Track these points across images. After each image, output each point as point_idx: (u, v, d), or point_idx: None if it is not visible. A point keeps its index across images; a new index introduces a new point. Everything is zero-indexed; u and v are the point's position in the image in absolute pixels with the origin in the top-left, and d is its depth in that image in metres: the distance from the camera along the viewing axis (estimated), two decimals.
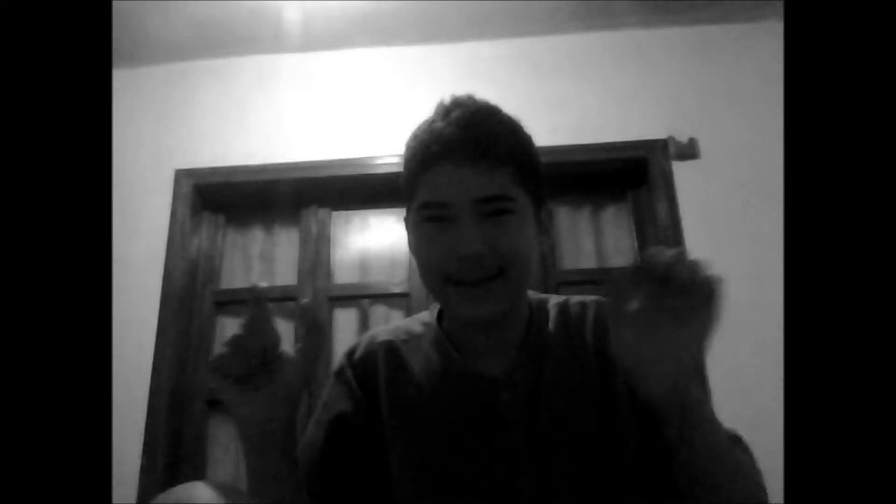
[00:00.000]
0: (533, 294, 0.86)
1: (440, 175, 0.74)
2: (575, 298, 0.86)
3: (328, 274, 2.24)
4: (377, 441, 0.78)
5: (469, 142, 0.73)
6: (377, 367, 0.82)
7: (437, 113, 0.78)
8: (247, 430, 0.66)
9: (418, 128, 0.79)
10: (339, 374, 0.84)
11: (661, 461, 0.67)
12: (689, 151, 2.11)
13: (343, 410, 0.80)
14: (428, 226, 0.75)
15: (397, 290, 2.15)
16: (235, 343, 0.63)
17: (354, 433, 0.78)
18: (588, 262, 2.18)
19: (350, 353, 0.85)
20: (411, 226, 0.79)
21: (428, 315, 0.88)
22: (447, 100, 0.79)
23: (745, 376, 1.79)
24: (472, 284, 0.73)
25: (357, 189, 2.25)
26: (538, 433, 0.74)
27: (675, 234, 2.01)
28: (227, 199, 2.30)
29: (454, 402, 0.78)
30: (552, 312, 0.84)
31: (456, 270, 0.73)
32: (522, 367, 0.78)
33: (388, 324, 0.94)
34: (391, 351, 0.83)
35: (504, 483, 0.73)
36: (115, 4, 1.88)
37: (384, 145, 2.19)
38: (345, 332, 2.16)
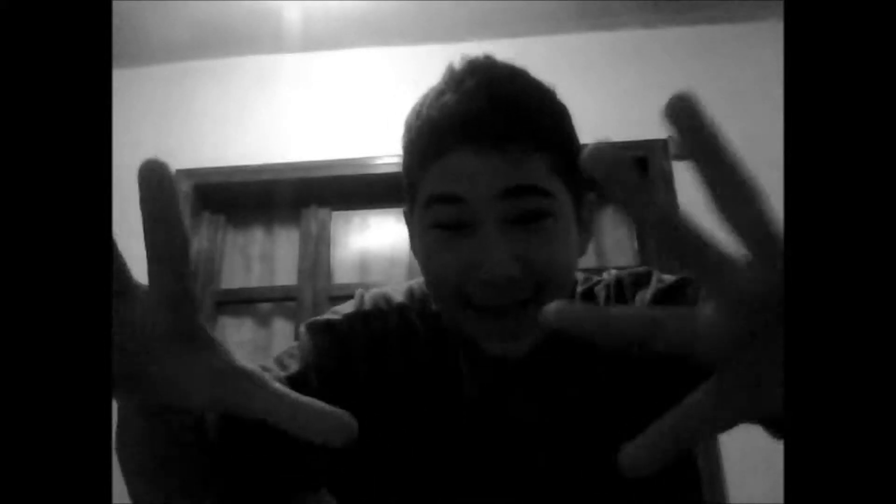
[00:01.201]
0: (581, 274, 0.70)
1: (457, 163, 0.55)
2: (598, 280, 0.70)
3: (328, 274, 2.24)
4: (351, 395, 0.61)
5: (492, 120, 0.55)
6: (386, 329, 0.66)
7: (446, 81, 0.59)
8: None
9: (422, 102, 0.60)
10: (327, 327, 0.66)
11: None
12: None
13: (314, 364, 0.62)
14: (438, 233, 0.57)
15: None
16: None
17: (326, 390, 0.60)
18: (588, 261, 2.18)
19: (360, 298, 0.69)
20: (416, 227, 0.61)
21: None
22: (458, 63, 0.59)
23: None
24: (497, 312, 0.56)
25: (357, 189, 2.25)
26: (554, 416, 0.63)
27: None
28: (227, 199, 2.30)
29: (466, 382, 0.64)
30: (577, 297, 0.67)
31: (478, 293, 0.55)
32: (541, 351, 0.63)
33: (398, 284, 0.74)
34: (403, 319, 0.67)
35: (514, 464, 0.62)
36: (115, 4, 1.88)
37: (384, 145, 2.19)
38: None
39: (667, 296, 0.64)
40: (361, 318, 0.67)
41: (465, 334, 0.62)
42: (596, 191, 0.61)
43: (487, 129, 0.55)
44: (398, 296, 0.70)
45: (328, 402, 0.34)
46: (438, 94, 0.58)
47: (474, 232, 0.56)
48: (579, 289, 0.72)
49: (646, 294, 0.64)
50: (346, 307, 0.70)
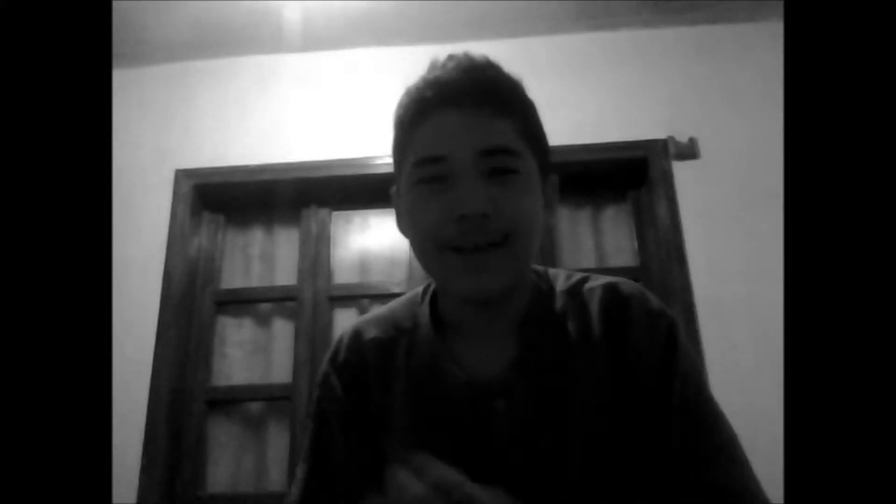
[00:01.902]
0: (538, 268, 0.77)
1: (439, 125, 0.66)
2: (584, 278, 0.76)
3: (328, 274, 2.24)
4: (367, 438, 0.71)
5: (470, 84, 0.66)
6: (366, 368, 0.74)
7: (429, 68, 0.71)
8: None
9: (409, 86, 0.71)
10: (324, 383, 0.76)
11: (667, 467, 0.63)
12: (689, 151, 2.11)
13: (329, 414, 0.73)
14: (423, 187, 0.67)
15: (397, 290, 2.15)
16: None
17: (339, 434, 0.72)
18: (588, 262, 2.18)
19: (333, 358, 0.77)
20: (404, 190, 0.70)
21: (419, 300, 0.78)
22: (440, 56, 0.71)
23: (745, 376, 1.79)
24: (472, 251, 0.64)
25: (357, 189, 2.25)
26: (534, 445, 0.67)
27: (674, 234, 2.01)
28: (227, 199, 2.30)
29: (445, 410, 0.70)
30: (559, 295, 0.74)
31: (455, 234, 0.64)
32: (519, 366, 0.69)
33: (373, 310, 0.83)
34: (379, 349, 0.75)
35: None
36: (115, 4, 1.88)
37: (384, 145, 2.19)
38: None
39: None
40: (341, 367, 0.76)
41: (440, 280, 0.71)
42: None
43: (465, 93, 0.66)
44: (371, 330, 0.78)
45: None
46: (423, 78, 0.70)
47: (454, 184, 0.65)
48: (561, 287, 0.75)
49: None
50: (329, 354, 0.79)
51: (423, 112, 0.67)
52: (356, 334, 0.77)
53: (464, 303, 0.71)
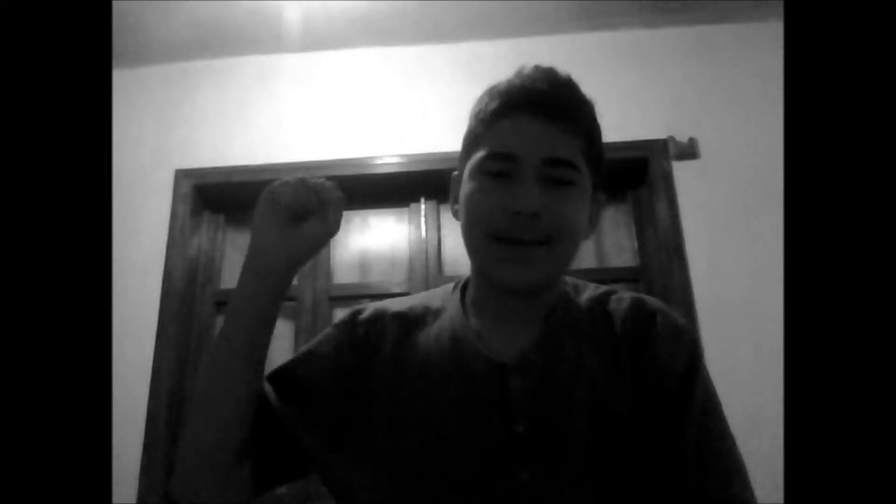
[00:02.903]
0: (570, 279, 0.82)
1: (514, 126, 0.72)
2: (612, 290, 0.80)
3: (328, 274, 2.24)
4: (354, 410, 0.73)
5: (551, 97, 0.72)
6: (383, 333, 0.77)
7: (515, 73, 0.76)
8: (271, 263, 0.68)
9: (494, 85, 0.77)
10: (340, 325, 0.80)
11: (671, 461, 0.66)
12: (689, 151, 2.11)
13: (330, 357, 0.76)
14: (487, 179, 0.72)
15: (397, 290, 2.15)
16: (295, 183, 0.67)
17: (333, 386, 0.74)
18: (588, 262, 2.18)
19: (356, 312, 0.81)
20: (467, 176, 0.75)
21: (450, 290, 0.83)
22: (528, 65, 0.77)
23: (745, 376, 1.79)
24: (518, 244, 0.70)
25: (357, 189, 2.25)
26: (545, 424, 0.69)
27: (674, 234, 2.01)
28: (227, 199, 2.30)
29: (459, 384, 0.72)
30: (585, 301, 0.78)
31: (506, 227, 0.70)
32: (539, 349, 0.72)
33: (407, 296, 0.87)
34: (401, 322, 0.78)
35: (503, 475, 0.67)
36: (115, 4, 1.88)
37: (384, 145, 2.19)
38: None
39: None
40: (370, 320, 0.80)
41: (484, 265, 0.75)
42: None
43: (545, 103, 0.72)
44: (396, 305, 0.82)
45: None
46: (509, 79, 0.76)
47: (515, 182, 0.70)
48: (587, 295, 0.79)
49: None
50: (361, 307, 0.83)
51: (504, 111, 0.73)
52: (381, 305, 0.82)
53: (499, 290, 0.75)
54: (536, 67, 0.76)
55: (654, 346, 0.72)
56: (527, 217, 0.69)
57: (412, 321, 0.79)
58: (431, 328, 0.77)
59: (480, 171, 0.73)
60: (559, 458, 0.67)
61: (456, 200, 0.79)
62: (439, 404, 0.71)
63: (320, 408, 0.74)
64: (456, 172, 0.80)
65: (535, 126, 0.71)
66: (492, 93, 0.76)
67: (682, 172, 2.09)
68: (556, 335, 0.74)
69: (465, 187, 0.75)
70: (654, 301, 0.77)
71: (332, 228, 0.69)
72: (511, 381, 0.70)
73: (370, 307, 0.82)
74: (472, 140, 0.76)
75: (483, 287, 0.78)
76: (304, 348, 0.80)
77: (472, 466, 0.68)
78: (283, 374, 0.77)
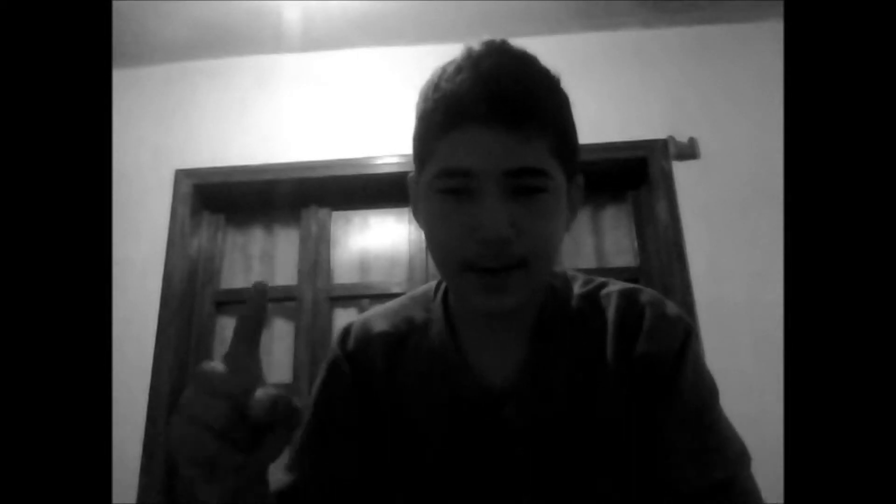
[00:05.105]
0: (558, 271, 0.76)
1: (466, 139, 0.61)
2: (602, 283, 0.74)
3: (328, 274, 2.24)
4: (374, 439, 0.71)
5: (504, 102, 0.60)
6: (374, 362, 0.73)
7: (463, 60, 0.64)
8: None
9: (439, 75, 0.65)
10: (334, 367, 0.75)
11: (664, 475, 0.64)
12: (689, 151, 2.11)
13: (339, 409, 0.72)
14: (444, 198, 0.63)
15: (397, 290, 2.16)
16: (210, 378, 0.46)
17: (350, 434, 0.72)
18: (588, 262, 2.18)
19: (342, 341, 0.76)
20: (423, 192, 0.66)
21: (432, 295, 0.78)
22: (476, 46, 0.64)
23: (745, 376, 1.79)
24: (491, 272, 0.62)
25: (357, 189, 2.25)
26: (542, 447, 0.67)
27: (674, 234, 2.01)
28: (227, 199, 2.30)
29: (454, 413, 0.70)
30: (575, 298, 0.73)
31: (475, 256, 0.61)
32: (531, 369, 0.69)
33: (384, 304, 0.82)
34: (389, 346, 0.74)
35: (505, 499, 0.67)
36: (115, 4, 1.88)
37: (384, 145, 2.19)
38: None
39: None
40: (347, 358, 0.76)
41: (458, 295, 0.71)
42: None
43: (500, 110, 0.60)
44: (380, 323, 0.77)
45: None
46: (456, 70, 0.63)
47: (477, 200, 0.61)
48: (578, 290, 0.75)
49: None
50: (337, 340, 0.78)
51: (448, 122, 0.62)
52: (365, 325, 0.76)
53: (479, 315, 0.71)
54: (489, 54, 0.63)
55: (644, 345, 0.68)
56: (496, 244, 0.60)
57: (398, 341, 0.74)
58: (420, 350, 0.74)
59: (437, 189, 0.63)
60: (559, 478, 0.66)
61: (417, 208, 0.71)
62: (433, 436, 0.70)
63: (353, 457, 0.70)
64: (412, 174, 0.72)
65: (490, 135, 0.60)
66: (437, 93, 0.64)
67: (681, 172, 2.09)
68: (547, 351, 0.70)
69: (424, 205, 0.67)
70: (645, 293, 0.72)
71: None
72: (506, 410, 0.68)
73: (352, 331, 0.76)
74: (422, 148, 0.66)
75: (464, 307, 0.73)
76: (305, 431, 0.73)
77: (472, 494, 0.67)
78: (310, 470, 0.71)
